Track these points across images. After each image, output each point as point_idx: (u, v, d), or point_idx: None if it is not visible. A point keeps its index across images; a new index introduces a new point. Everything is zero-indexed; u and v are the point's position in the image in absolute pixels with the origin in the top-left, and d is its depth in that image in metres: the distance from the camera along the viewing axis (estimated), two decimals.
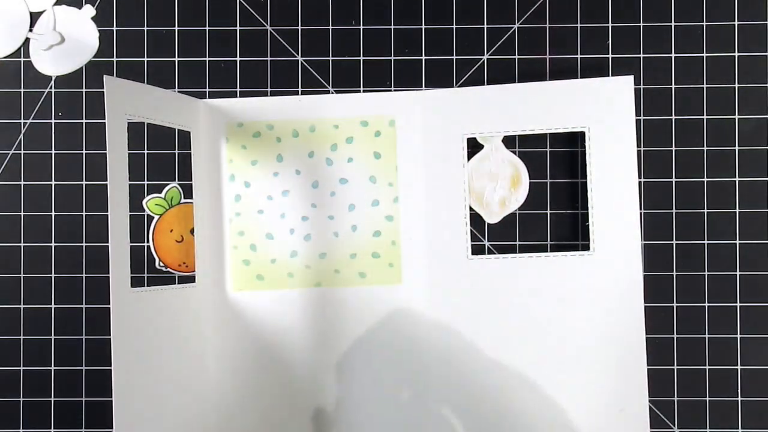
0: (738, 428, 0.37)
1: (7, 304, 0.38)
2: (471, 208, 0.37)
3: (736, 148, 0.37)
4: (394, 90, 0.37)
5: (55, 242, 0.38)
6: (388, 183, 0.37)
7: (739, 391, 0.37)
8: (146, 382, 0.33)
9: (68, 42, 0.38)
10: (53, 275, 0.38)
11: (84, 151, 0.38)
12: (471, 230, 0.37)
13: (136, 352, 0.32)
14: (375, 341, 0.37)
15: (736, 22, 0.37)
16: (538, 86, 0.36)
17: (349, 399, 0.37)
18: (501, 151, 0.37)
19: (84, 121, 0.38)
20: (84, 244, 0.38)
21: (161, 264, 0.37)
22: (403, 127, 0.37)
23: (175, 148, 0.37)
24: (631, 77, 0.36)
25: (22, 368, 0.38)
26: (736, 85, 0.37)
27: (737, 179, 0.37)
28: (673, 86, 0.37)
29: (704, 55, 0.37)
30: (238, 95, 0.38)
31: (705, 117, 0.37)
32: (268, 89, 0.38)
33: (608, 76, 0.37)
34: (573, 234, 0.37)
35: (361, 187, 0.37)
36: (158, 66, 0.38)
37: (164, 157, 0.37)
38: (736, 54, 0.37)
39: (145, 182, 0.37)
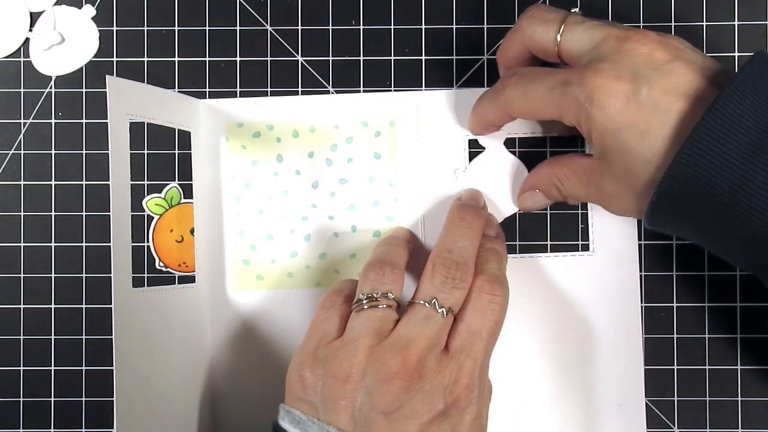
0: (738, 428, 0.37)
1: (7, 304, 0.38)
2: None
3: None
4: (394, 90, 0.37)
5: (55, 242, 0.38)
6: (388, 183, 0.37)
7: (739, 391, 0.37)
8: (146, 382, 0.33)
9: (68, 42, 0.38)
10: (53, 275, 0.38)
11: (84, 151, 0.38)
12: None
13: (136, 352, 0.32)
14: None
15: (736, 22, 0.37)
16: None
17: None
18: (502, 152, 0.37)
19: (84, 121, 0.38)
20: (84, 244, 0.38)
21: (161, 264, 0.37)
22: (403, 127, 0.37)
23: (175, 148, 0.37)
24: None
25: (22, 368, 0.38)
26: None
27: None
28: None
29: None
30: (238, 95, 0.38)
31: None
32: (268, 89, 0.38)
33: None
34: (573, 234, 0.37)
35: (361, 187, 0.37)
36: (158, 66, 0.38)
37: (164, 157, 0.37)
38: (736, 54, 0.37)
39: (145, 182, 0.37)
